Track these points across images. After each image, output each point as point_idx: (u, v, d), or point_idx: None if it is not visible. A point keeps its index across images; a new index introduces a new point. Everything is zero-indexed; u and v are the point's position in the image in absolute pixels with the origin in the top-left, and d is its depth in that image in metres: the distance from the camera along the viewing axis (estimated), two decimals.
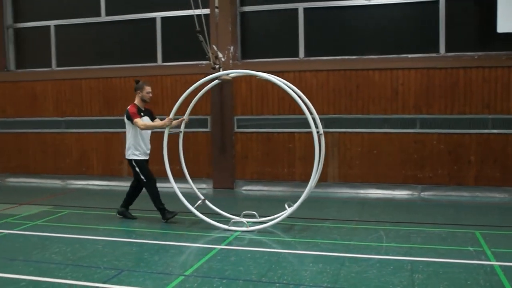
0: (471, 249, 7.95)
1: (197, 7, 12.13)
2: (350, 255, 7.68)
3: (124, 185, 14.06)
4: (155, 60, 14.50)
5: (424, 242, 8.44)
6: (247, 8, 13.72)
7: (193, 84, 9.99)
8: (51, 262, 7.73)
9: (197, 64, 13.60)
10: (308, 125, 12.69)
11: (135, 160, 10.07)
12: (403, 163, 12.50)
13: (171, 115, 9.88)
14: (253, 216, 9.81)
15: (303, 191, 12.79)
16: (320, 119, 12.65)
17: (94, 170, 14.81)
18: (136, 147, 10.06)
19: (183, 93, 9.96)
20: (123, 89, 14.16)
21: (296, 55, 13.36)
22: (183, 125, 10.35)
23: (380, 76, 12.50)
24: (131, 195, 10.43)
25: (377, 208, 11.21)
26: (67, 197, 11.01)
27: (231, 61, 13.37)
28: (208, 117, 13.63)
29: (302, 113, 12.75)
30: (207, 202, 10.04)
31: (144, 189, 10.33)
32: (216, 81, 10.36)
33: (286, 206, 9.58)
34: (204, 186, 13.75)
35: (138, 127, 9.82)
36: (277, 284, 6.52)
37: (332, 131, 12.81)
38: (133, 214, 10.38)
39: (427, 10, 12.65)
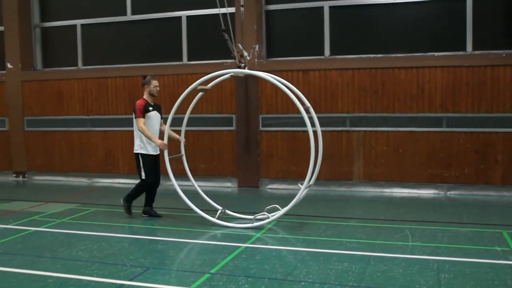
0: (498, 249, 7.88)
1: (222, 6, 12.15)
2: (376, 254, 7.65)
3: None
4: (180, 59, 14.56)
5: (450, 241, 8.37)
6: (272, 7, 13.70)
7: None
8: (77, 259, 7.79)
9: (222, 63, 13.60)
10: (333, 124, 12.84)
11: (142, 155, 10.15)
12: (429, 162, 12.42)
13: (165, 140, 10.00)
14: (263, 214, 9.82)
15: (328, 190, 12.86)
16: (345, 117, 12.73)
17: (119, 168, 14.90)
18: (143, 141, 10.11)
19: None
20: None
21: (322, 53, 13.33)
22: (182, 147, 10.55)
23: (406, 75, 12.42)
24: (149, 192, 10.47)
25: (403, 207, 11.14)
26: (93, 195, 11.09)
27: (256, 60, 13.37)
28: (233, 116, 13.65)
29: (327, 111, 12.86)
30: (227, 211, 10.07)
31: (159, 186, 10.44)
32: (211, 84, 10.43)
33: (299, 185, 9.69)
34: (229, 184, 13.78)
35: (138, 125, 9.95)
36: (303, 283, 6.51)
37: (358, 129, 12.77)
38: (158, 212, 10.43)
39: (454, 8, 12.55)
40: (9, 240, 8.88)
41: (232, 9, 13.22)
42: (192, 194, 10.36)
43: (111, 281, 6.76)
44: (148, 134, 9.92)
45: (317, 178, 12.92)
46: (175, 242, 8.63)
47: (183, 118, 10.63)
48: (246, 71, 10.04)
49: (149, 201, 10.49)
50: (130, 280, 6.76)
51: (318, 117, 12.86)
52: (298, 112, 12.97)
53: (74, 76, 15.31)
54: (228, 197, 12.74)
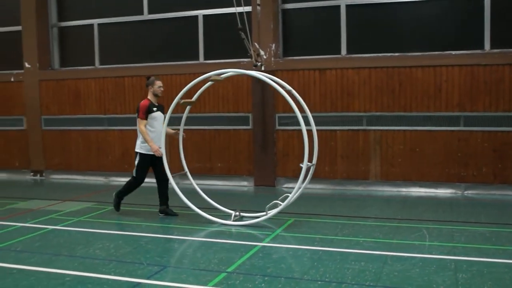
0: None
1: (239, 5, 12.18)
2: (393, 254, 7.62)
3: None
4: (197, 58, 14.58)
5: (467, 241, 8.33)
6: (289, 5, 13.69)
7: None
8: (95, 257, 7.84)
9: (239, 62, 13.61)
10: (350, 123, 12.81)
11: (140, 154, 10.31)
12: (446, 161, 12.35)
13: (163, 140, 10.10)
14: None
15: (345, 189, 12.83)
16: (362, 116, 12.70)
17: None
18: (144, 141, 10.19)
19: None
20: (165, 87, 14.20)
21: (338, 52, 13.30)
22: (180, 141, 10.69)
23: (423, 73, 12.37)
24: (162, 190, 10.57)
25: (420, 207, 11.09)
26: (110, 194, 11.14)
27: (272, 59, 13.36)
28: (250, 115, 13.65)
29: (344, 110, 12.83)
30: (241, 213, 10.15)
31: (169, 184, 10.45)
32: (209, 83, 10.53)
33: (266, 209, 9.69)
34: (245, 183, 13.79)
35: (139, 125, 10.09)
36: (319, 282, 6.51)
37: (374, 128, 12.73)
38: (174, 211, 10.46)
39: (472, 5, 12.48)
40: (27, 238, 8.94)
41: (248, 8, 13.23)
42: (201, 193, 10.40)
43: (128, 279, 6.79)
44: (147, 138, 10.03)
45: (334, 177, 13.01)
46: (192, 241, 8.66)
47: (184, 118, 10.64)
48: (230, 70, 10.03)
49: (164, 200, 10.56)
50: (147, 278, 6.79)
51: (334, 116, 12.98)
52: (315, 110, 13.03)
53: (91, 76, 15.38)
54: (244, 196, 12.75)
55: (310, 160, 9.63)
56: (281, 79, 13.12)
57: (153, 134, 10.18)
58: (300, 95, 13.12)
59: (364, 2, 13.07)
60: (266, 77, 9.77)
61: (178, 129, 10.61)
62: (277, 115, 13.46)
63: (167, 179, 10.39)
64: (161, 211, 10.53)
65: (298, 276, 6.77)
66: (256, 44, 13.16)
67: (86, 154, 15.55)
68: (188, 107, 10.69)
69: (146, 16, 15.06)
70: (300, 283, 6.50)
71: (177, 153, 10.47)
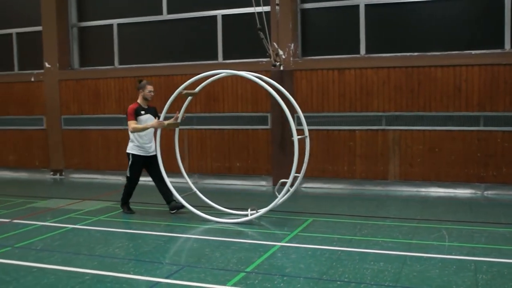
0: None
1: (258, 5, 12.19)
2: (412, 254, 7.60)
3: (184, 181, 14.24)
4: (216, 58, 14.60)
5: (487, 242, 8.28)
6: (308, 5, 13.67)
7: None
8: (114, 256, 7.89)
9: (257, 62, 13.63)
10: (369, 123, 12.79)
11: (132, 155, 10.54)
12: (466, 161, 12.28)
13: (161, 118, 10.36)
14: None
15: (364, 189, 12.81)
16: (381, 116, 12.65)
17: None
18: (135, 143, 10.48)
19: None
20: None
21: (357, 52, 13.26)
22: (177, 145, 11.01)
23: (443, 73, 12.30)
24: (162, 189, 10.70)
25: (439, 207, 11.04)
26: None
27: (291, 58, 13.36)
28: (269, 115, 13.65)
29: (363, 110, 12.80)
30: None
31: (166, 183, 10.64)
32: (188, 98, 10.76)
33: (249, 211, 9.86)
34: (263, 183, 13.80)
35: (129, 127, 10.30)
36: (338, 282, 6.50)
37: (393, 128, 12.68)
38: (181, 203, 10.47)
39: (491, 4, 12.39)
40: (47, 237, 9.02)
41: (267, 8, 13.23)
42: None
43: (147, 278, 6.83)
44: (141, 126, 10.28)
45: (353, 177, 12.97)
46: (210, 241, 8.68)
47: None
48: (219, 72, 10.14)
49: (168, 197, 10.68)
50: (166, 278, 6.82)
51: (353, 116, 12.95)
52: (334, 110, 13.02)
53: (111, 75, 15.45)
54: (262, 196, 12.75)
55: (300, 164, 9.90)
56: (299, 79, 13.21)
57: (140, 136, 10.45)
58: (318, 95, 13.20)
59: (383, 2, 13.02)
60: (256, 77, 9.97)
61: (175, 117, 10.73)
62: (296, 114, 13.43)
63: (162, 178, 10.62)
64: (171, 209, 10.64)
65: (317, 276, 6.77)
66: (275, 44, 13.17)
67: (106, 154, 15.63)
68: (189, 98, 10.83)
69: (165, 16, 15.11)
70: (319, 283, 6.50)
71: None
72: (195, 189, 10.80)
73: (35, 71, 16.39)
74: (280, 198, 9.56)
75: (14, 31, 17.00)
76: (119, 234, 9.30)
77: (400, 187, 12.78)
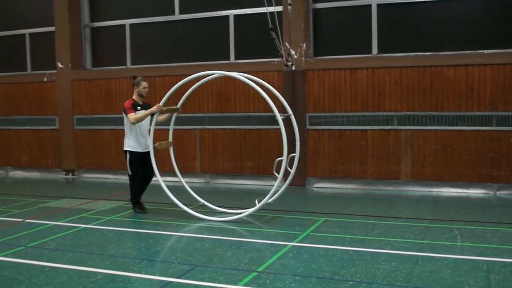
0: None
1: (270, 5, 12.19)
2: (424, 254, 7.58)
3: (197, 181, 14.30)
4: (227, 58, 14.61)
5: (500, 242, 8.25)
6: (320, 5, 13.66)
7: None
8: (126, 256, 7.92)
9: (269, 62, 13.64)
10: (381, 122, 12.76)
11: (129, 152, 10.66)
12: (478, 161, 12.22)
13: (161, 103, 10.42)
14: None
15: (375, 189, 12.78)
16: (393, 116, 12.63)
17: (167, 166, 14.96)
18: (132, 139, 10.63)
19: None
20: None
21: (369, 51, 13.24)
22: (173, 120, 11.17)
23: (455, 73, 12.25)
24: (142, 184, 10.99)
25: (451, 207, 11.01)
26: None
27: (303, 58, 13.35)
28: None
29: (375, 110, 12.77)
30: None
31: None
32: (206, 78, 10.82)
33: (256, 201, 9.92)
34: (275, 183, 13.76)
35: (130, 121, 10.38)
36: (350, 282, 6.50)
37: (405, 128, 12.64)
38: (145, 207, 10.94)
39: (504, 3, 12.33)
40: (60, 236, 9.05)
41: (279, 8, 13.23)
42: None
43: (159, 278, 6.85)
44: (141, 115, 10.43)
45: (364, 177, 12.95)
46: (222, 240, 8.68)
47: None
48: (207, 73, 10.26)
49: (138, 194, 11.01)
50: (178, 277, 6.83)
51: (365, 116, 12.93)
52: (346, 110, 13.01)
53: (123, 75, 15.49)
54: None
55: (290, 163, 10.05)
56: (311, 79, 13.20)
57: (137, 133, 10.63)
58: (330, 94, 13.18)
59: (395, 1, 12.98)
60: (245, 77, 10.08)
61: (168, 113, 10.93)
62: (307, 114, 13.44)
63: (152, 174, 10.79)
64: (136, 207, 11.00)
65: (329, 276, 6.76)
66: (287, 43, 13.17)
67: (118, 153, 15.63)
68: (181, 102, 11.09)
69: (178, 16, 15.14)
70: (330, 283, 6.49)
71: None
72: (203, 202, 10.82)
73: (48, 71, 16.47)
74: (279, 181, 9.68)
75: (27, 31, 17.09)
76: (131, 234, 9.33)
77: (412, 187, 12.75)
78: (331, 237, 8.68)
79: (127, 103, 10.53)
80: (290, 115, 10.37)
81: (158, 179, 10.53)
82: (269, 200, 9.87)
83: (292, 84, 13.27)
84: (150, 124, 10.56)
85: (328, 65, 13.25)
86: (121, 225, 9.90)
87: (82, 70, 16.28)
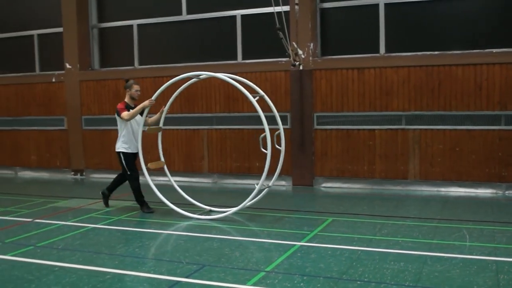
0: None
1: (277, 4, 12.21)
2: (432, 254, 7.56)
3: (205, 181, 14.34)
4: (235, 58, 14.62)
5: (509, 242, 8.21)
6: (327, 4, 13.65)
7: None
8: (134, 256, 7.93)
9: (277, 61, 13.64)
10: (389, 122, 12.74)
11: (123, 153, 10.92)
12: (487, 161, 12.19)
13: (153, 97, 10.69)
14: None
15: (383, 189, 12.76)
16: (401, 115, 12.60)
17: (175, 166, 15.04)
18: (125, 141, 10.90)
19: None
20: (204, 86, 14.32)
21: (377, 51, 13.22)
22: (162, 118, 11.30)
23: (463, 72, 12.22)
24: (119, 181, 11.40)
25: (459, 207, 10.98)
26: (150, 193, 11.20)
27: (310, 58, 13.34)
28: (288, 114, 13.64)
29: (383, 109, 12.76)
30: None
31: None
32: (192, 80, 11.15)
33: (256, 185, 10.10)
34: (283, 183, 13.78)
35: (124, 118, 10.65)
36: (358, 282, 6.49)
37: (413, 128, 12.62)
38: (109, 204, 11.44)
39: None
40: (69, 236, 9.08)
41: (286, 8, 13.23)
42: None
43: (167, 277, 6.85)
44: (134, 111, 10.69)
45: (372, 177, 12.93)
46: (230, 240, 8.70)
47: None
48: (191, 74, 10.64)
49: (112, 188, 11.47)
50: (186, 277, 6.84)
51: (373, 116, 12.91)
52: (353, 110, 12.99)
53: (131, 76, 15.42)
54: (281, 196, 12.75)
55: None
56: (319, 79, 13.20)
57: (130, 134, 10.90)
58: (338, 94, 13.17)
59: (403, 0, 12.96)
60: (229, 77, 10.24)
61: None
62: (315, 114, 13.43)
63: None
64: (103, 193, 11.50)
65: (337, 275, 6.76)
66: (294, 43, 13.16)
67: None
68: (169, 103, 11.33)
69: (185, 16, 15.16)
70: (338, 283, 6.49)
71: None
72: (209, 208, 10.86)
73: (56, 72, 16.53)
74: (268, 160, 9.97)
75: (35, 32, 17.16)
76: (139, 234, 9.34)
77: (420, 186, 12.72)
78: (339, 236, 8.68)
79: (120, 105, 10.82)
80: (262, 95, 10.55)
81: (147, 178, 10.84)
82: (270, 184, 10.38)
83: (299, 84, 13.27)
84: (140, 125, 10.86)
85: (335, 65, 13.24)
86: (130, 225, 9.92)
87: (90, 70, 16.32)
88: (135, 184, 10.94)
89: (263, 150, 9.98)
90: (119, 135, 10.96)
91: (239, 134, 14.18)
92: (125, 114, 10.61)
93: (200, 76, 10.69)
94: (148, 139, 11.53)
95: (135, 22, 15.87)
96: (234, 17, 14.58)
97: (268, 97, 13.73)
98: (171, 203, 10.64)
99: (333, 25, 13.82)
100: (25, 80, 17.05)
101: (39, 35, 17.14)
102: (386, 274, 6.75)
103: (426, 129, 12.56)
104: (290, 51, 12.56)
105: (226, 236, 8.94)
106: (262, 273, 6.91)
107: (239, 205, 10.03)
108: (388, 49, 13.12)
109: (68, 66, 16.16)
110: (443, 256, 7.45)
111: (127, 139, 10.84)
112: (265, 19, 13.64)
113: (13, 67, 17.55)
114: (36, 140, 17.00)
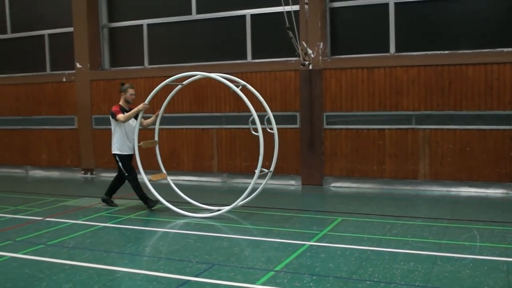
0: None
1: (287, 4, 12.20)
2: (442, 254, 7.54)
3: (214, 180, 14.37)
4: (245, 57, 14.63)
5: None
6: (337, 4, 13.63)
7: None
8: (144, 255, 7.97)
9: (286, 61, 13.64)
10: (399, 122, 12.71)
11: (119, 155, 11.15)
12: (498, 161, 12.14)
13: (146, 101, 10.89)
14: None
15: (393, 189, 12.73)
16: (411, 115, 12.57)
17: (184, 166, 15.06)
18: (121, 143, 11.11)
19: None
20: (213, 86, 14.33)
21: (387, 50, 13.19)
22: (158, 121, 11.54)
23: (474, 71, 12.18)
24: (118, 184, 11.59)
25: (470, 207, 10.95)
26: (159, 192, 11.22)
27: (320, 58, 13.33)
28: (297, 114, 13.63)
29: (392, 109, 12.72)
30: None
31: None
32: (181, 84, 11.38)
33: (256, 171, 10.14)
34: (292, 182, 13.79)
35: (119, 120, 10.88)
36: (368, 282, 6.48)
37: (423, 127, 12.58)
38: (115, 202, 11.53)
39: None
40: (79, 235, 9.11)
41: (296, 7, 13.21)
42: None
43: (177, 276, 6.86)
44: (129, 113, 10.93)
45: (382, 177, 12.91)
46: (240, 240, 8.71)
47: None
48: (182, 75, 10.75)
49: (111, 192, 11.60)
50: (196, 276, 6.85)
51: (383, 115, 12.88)
52: (363, 109, 12.97)
53: (141, 75, 15.56)
54: (291, 195, 12.75)
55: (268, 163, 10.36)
56: (329, 78, 13.19)
57: (124, 136, 11.13)
58: (348, 94, 13.15)
59: (413, 0, 12.93)
60: (222, 76, 10.45)
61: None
62: (325, 113, 13.41)
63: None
64: (103, 200, 11.62)
65: (346, 275, 6.75)
66: (304, 43, 13.15)
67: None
68: (163, 106, 11.60)
69: (195, 16, 15.18)
70: (348, 283, 6.48)
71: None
72: (215, 212, 10.89)
73: (67, 72, 16.59)
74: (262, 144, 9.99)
75: (46, 32, 17.23)
76: (149, 233, 9.37)
77: (430, 186, 12.68)
78: (348, 236, 8.67)
79: (114, 108, 11.08)
80: (244, 84, 10.71)
81: (144, 178, 10.97)
82: (268, 170, 10.55)
83: (309, 83, 13.26)
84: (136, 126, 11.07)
85: (345, 64, 13.22)
86: (139, 223, 9.95)
87: (100, 70, 16.37)
88: (135, 183, 11.12)
89: (253, 133, 10.03)
90: (112, 137, 11.18)
91: (248, 133, 14.12)
92: (121, 116, 10.84)
93: (196, 77, 10.96)
94: (148, 150, 11.63)
95: (145, 22, 15.90)
96: (243, 16, 14.58)
97: (278, 96, 13.83)
98: (170, 202, 10.72)
99: (342, 24, 13.80)
100: (36, 79, 17.12)
101: (49, 35, 17.21)
102: (395, 274, 6.74)
103: (436, 129, 12.52)
104: (299, 51, 12.55)
105: (236, 235, 8.95)
106: (272, 273, 6.91)
107: (247, 203, 10.05)
108: (398, 49, 13.09)
109: (78, 65, 16.22)
110: (453, 257, 7.43)
111: (120, 140, 11.07)
112: (275, 18, 13.65)
113: (24, 66, 17.64)
114: (46, 139, 17.07)
